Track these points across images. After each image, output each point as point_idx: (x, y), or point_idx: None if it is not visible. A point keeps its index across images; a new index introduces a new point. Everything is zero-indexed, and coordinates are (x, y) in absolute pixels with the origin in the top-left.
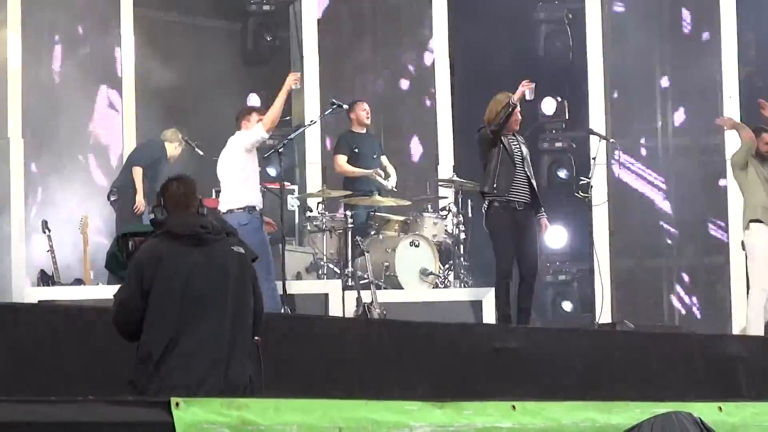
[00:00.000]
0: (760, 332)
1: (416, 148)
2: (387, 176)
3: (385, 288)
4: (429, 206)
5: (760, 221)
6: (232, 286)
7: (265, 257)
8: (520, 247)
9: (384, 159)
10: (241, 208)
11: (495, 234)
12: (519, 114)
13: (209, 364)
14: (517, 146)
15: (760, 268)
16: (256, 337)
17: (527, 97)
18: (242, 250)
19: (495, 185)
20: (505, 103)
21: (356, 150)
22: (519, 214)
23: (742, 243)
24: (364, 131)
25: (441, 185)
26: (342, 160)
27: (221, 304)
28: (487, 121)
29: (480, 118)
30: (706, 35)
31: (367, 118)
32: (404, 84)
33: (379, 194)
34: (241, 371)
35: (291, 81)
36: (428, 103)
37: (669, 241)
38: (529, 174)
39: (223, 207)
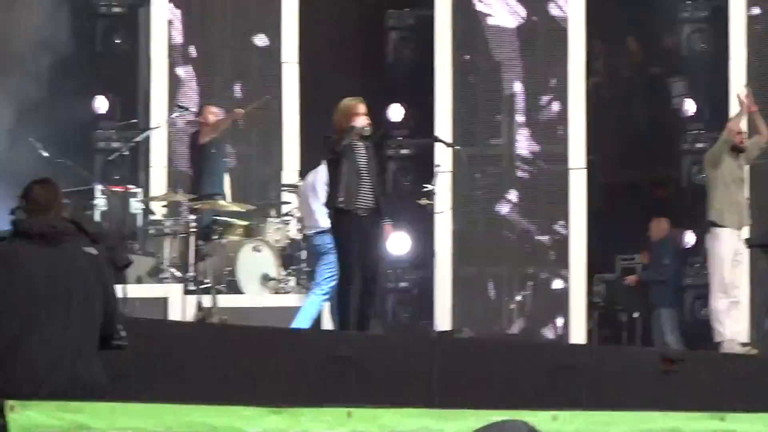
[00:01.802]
0: (728, 336)
1: (263, 153)
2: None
3: (226, 293)
4: (272, 212)
5: (724, 226)
6: (80, 286)
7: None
8: (363, 253)
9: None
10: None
11: (339, 240)
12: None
13: (53, 364)
14: (363, 153)
15: (719, 274)
16: (122, 342)
17: (365, 133)
18: (94, 251)
19: (341, 199)
20: (348, 126)
21: (213, 151)
22: (363, 221)
23: (704, 246)
24: (215, 136)
25: (285, 190)
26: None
27: (67, 304)
28: (335, 129)
29: (326, 124)
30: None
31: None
32: (254, 88)
33: (223, 199)
34: (87, 371)
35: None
36: (276, 105)
37: (510, 249)
38: (373, 181)
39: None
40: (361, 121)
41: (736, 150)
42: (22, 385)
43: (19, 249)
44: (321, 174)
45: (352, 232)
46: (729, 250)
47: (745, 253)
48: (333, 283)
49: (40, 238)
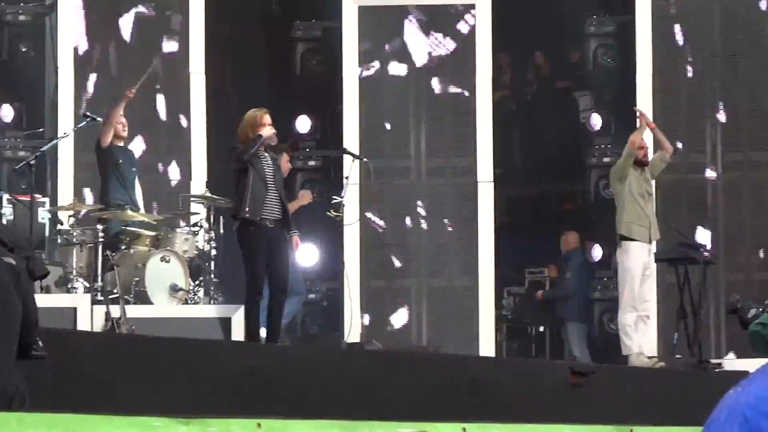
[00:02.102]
0: (636, 350)
1: (170, 164)
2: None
3: (134, 303)
4: (181, 222)
5: (633, 239)
6: None
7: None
8: (271, 264)
9: (136, 180)
10: None
11: (246, 251)
12: (275, 135)
13: None
14: (269, 163)
15: (629, 288)
16: (40, 352)
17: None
18: (13, 261)
19: (247, 209)
20: (255, 135)
21: (120, 161)
22: (271, 232)
23: (614, 260)
24: (122, 144)
25: (193, 201)
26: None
27: None
28: (241, 140)
29: (234, 135)
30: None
31: (124, 130)
32: (161, 99)
33: (131, 209)
34: (7, 381)
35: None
36: (183, 119)
37: (419, 262)
38: (280, 192)
39: None
40: (268, 130)
41: (640, 164)
42: None
43: None
44: None
45: (260, 242)
46: (639, 263)
47: (654, 267)
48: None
49: None
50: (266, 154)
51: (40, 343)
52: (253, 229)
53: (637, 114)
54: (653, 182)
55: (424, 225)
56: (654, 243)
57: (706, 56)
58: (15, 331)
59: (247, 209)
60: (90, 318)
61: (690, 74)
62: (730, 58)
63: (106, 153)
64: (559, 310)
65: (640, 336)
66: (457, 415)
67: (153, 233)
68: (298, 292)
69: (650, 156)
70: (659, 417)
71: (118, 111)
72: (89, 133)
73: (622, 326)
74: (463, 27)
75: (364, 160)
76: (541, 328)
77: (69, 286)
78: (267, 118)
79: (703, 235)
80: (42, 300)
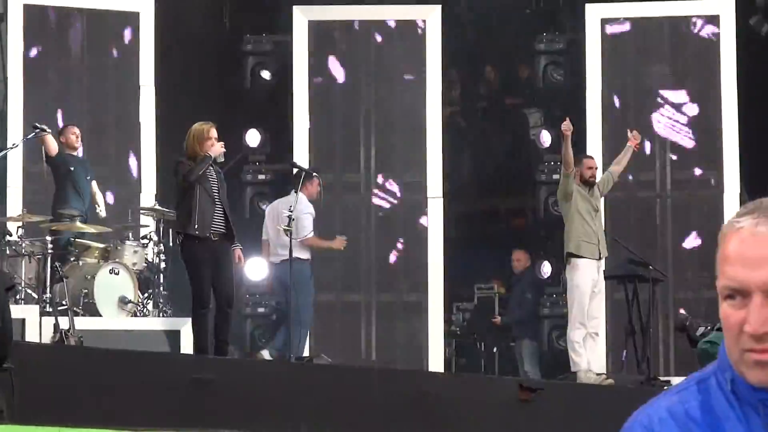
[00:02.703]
0: (584, 367)
1: (119, 176)
2: (96, 205)
3: (83, 315)
4: (130, 234)
5: (582, 256)
6: None
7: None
8: (216, 277)
9: (94, 184)
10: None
11: (191, 264)
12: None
13: None
14: (214, 178)
15: (578, 304)
16: (7, 364)
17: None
18: None
19: (196, 227)
20: (204, 155)
21: (72, 168)
22: (215, 245)
23: (563, 277)
24: (75, 154)
25: (143, 213)
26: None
27: None
28: (187, 153)
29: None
30: (409, 77)
31: (77, 140)
32: (113, 110)
33: (82, 221)
34: None
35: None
36: (132, 130)
37: (368, 276)
38: (225, 206)
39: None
40: (216, 149)
41: (587, 183)
42: None
43: None
44: (302, 205)
45: (204, 256)
46: (588, 280)
47: (603, 284)
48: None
49: None
50: (211, 169)
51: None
52: (198, 242)
53: (630, 135)
54: (602, 199)
55: (373, 239)
56: (603, 260)
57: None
58: None
59: (196, 226)
60: (39, 329)
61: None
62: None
63: (57, 162)
64: (513, 328)
65: (589, 353)
66: (406, 430)
67: (102, 245)
68: (305, 323)
69: (599, 176)
70: None
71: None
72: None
73: (570, 343)
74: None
75: (314, 174)
76: (492, 347)
77: (18, 297)
78: (213, 132)
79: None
80: None
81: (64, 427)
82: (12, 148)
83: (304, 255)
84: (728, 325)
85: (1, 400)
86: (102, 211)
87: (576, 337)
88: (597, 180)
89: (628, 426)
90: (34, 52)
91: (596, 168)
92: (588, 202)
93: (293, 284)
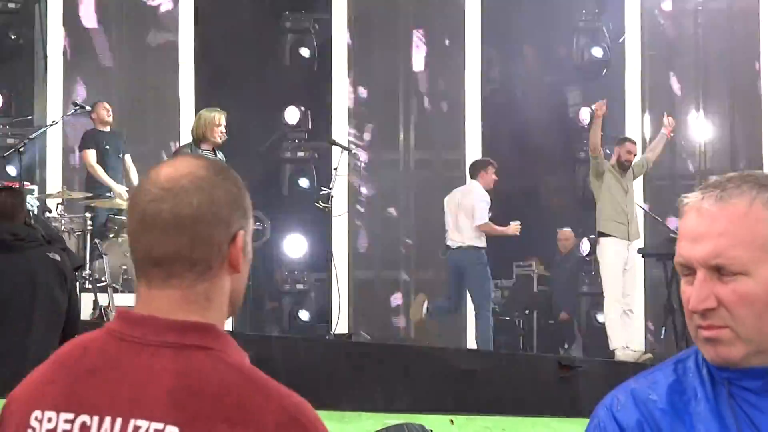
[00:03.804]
0: (621, 344)
1: (159, 155)
2: (130, 179)
3: (122, 292)
4: None
5: (610, 235)
6: (40, 292)
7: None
8: None
9: (128, 159)
10: (482, 247)
11: None
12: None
13: (13, 368)
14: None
15: (611, 282)
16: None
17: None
18: (58, 258)
19: None
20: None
21: (107, 146)
22: None
23: (595, 255)
24: (108, 129)
25: None
26: (91, 155)
27: (28, 310)
28: (195, 138)
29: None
30: (451, 51)
31: (108, 116)
32: (150, 89)
33: (120, 197)
34: None
35: None
36: (171, 108)
37: (406, 254)
38: None
39: (466, 242)
40: (218, 136)
41: (621, 167)
42: None
43: None
44: (477, 193)
45: None
46: (617, 259)
47: (635, 262)
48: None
49: (3, 246)
50: (215, 154)
51: None
52: None
53: (665, 122)
54: (639, 178)
55: (411, 217)
56: (633, 241)
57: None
58: (59, 326)
59: None
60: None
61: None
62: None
63: (88, 139)
64: (555, 304)
65: (624, 330)
66: (445, 408)
67: None
68: (484, 308)
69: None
70: None
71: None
72: (79, 120)
73: (607, 320)
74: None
75: (353, 151)
76: (531, 324)
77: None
78: (223, 120)
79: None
80: None
81: None
82: (51, 125)
83: (480, 243)
84: (684, 302)
85: None
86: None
87: (612, 314)
88: (633, 163)
89: (598, 406)
90: (73, 29)
91: (635, 154)
92: (619, 182)
93: (469, 272)
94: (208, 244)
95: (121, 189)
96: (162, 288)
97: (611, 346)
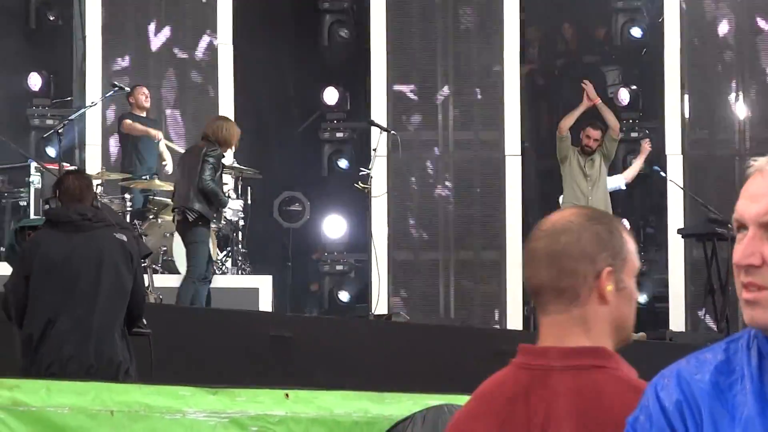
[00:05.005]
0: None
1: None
2: (163, 161)
3: (162, 272)
4: None
5: None
6: (107, 269)
7: None
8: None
9: (162, 145)
10: None
11: (201, 244)
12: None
13: (80, 343)
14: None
15: None
16: (146, 330)
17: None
18: (125, 238)
19: (215, 215)
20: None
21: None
22: None
23: None
24: (144, 115)
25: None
26: (129, 119)
27: (94, 286)
28: (219, 141)
29: (261, 107)
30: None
31: (146, 101)
32: (188, 69)
33: (158, 178)
34: (111, 349)
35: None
36: (211, 90)
37: (445, 234)
38: None
39: None
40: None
41: (584, 152)
42: (50, 364)
43: (50, 236)
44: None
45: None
46: None
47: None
48: None
49: (71, 227)
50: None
51: (144, 321)
52: (207, 227)
53: (584, 89)
54: (598, 165)
55: (451, 198)
56: None
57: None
58: (124, 305)
59: (215, 216)
60: None
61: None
62: None
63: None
64: None
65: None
66: None
67: None
68: None
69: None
70: None
71: (136, 130)
72: (117, 101)
73: None
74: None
75: (392, 132)
76: None
77: None
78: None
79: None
80: None
81: (144, 384)
82: (91, 106)
83: None
84: (733, 260)
85: (126, 356)
86: (168, 166)
87: None
88: (593, 148)
89: (648, 385)
90: (111, 10)
91: (596, 139)
92: (583, 167)
93: None
94: (573, 276)
95: (158, 133)
96: (545, 314)
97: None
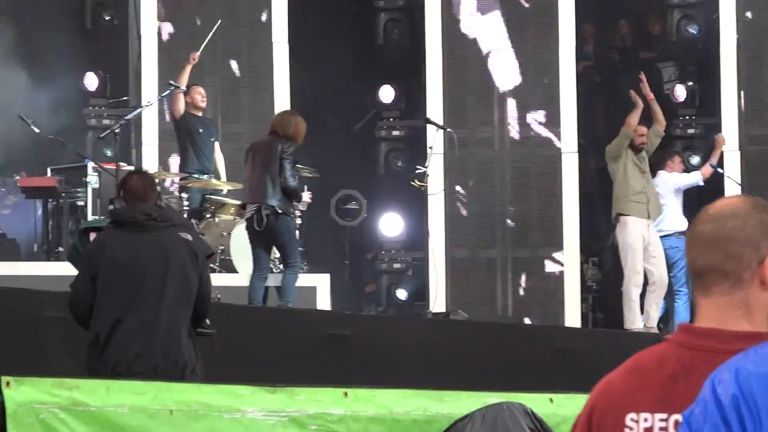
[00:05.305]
0: (640, 327)
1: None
2: (217, 168)
3: (219, 272)
4: None
5: (628, 215)
6: (173, 268)
7: None
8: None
9: (217, 146)
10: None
11: (293, 236)
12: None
13: (146, 343)
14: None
15: (631, 262)
16: (210, 330)
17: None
18: (190, 237)
19: (292, 210)
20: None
21: (200, 130)
22: None
23: (613, 236)
24: (200, 114)
25: None
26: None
27: (161, 285)
28: (290, 136)
29: (316, 104)
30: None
31: (203, 101)
32: (244, 68)
33: (215, 177)
34: (177, 348)
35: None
36: (267, 89)
37: (503, 232)
38: None
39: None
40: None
41: (636, 150)
42: (116, 363)
43: (115, 236)
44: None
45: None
46: (638, 238)
47: (657, 242)
48: None
49: (136, 227)
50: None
51: (208, 321)
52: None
53: (634, 93)
54: (646, 158)
55: (508, 195)
56: (653, 220)
57: None
58: (190, 304)
59: (292, 211)
60: None
61: None
62: None
63: (181, 123)
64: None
65: (649, 306)
66: (543, 386)
67: (238, 202)
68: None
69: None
70: None
71: (184, 77)
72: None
73: (626, 301)
74: None
75: (448, 130)
76: None
77: None
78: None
79: None
80: None
81: (203, 383)
82: (147, 105)
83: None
84: None
85: (192, 355)
86: (222, 176)
87: (632, 295)
88: (645, 144)
89: (707, 379)
90: (168, 9)
91: (646, 134)
92: (636, 164)
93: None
94: (738, 260)
95: (195, 54)
96: (707, 296)
97: (626, 325)
